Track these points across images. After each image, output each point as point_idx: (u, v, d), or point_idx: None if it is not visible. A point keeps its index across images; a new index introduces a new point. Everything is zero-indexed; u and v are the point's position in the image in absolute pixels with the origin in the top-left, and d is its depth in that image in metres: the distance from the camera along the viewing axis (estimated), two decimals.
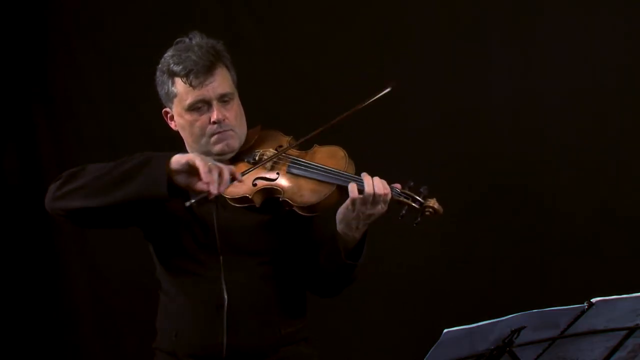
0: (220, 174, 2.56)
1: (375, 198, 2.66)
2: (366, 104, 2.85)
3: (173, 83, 2.81)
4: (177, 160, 2.58)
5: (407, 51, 4.16)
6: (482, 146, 4.11)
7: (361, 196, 2.66)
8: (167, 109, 2.88)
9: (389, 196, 2.68)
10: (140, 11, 4.26)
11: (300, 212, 2.75)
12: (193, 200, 2.57)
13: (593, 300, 2.34)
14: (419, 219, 2.71)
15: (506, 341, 2.32)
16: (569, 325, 2.37)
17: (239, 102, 2.85)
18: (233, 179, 2.59)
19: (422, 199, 2.71)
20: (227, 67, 2.84)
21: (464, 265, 4.08)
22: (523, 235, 4.08)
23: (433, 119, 4.15)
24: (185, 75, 2.77)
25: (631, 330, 2.46)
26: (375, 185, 2.67)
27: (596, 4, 4.05)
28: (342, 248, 2.73)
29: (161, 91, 2.86)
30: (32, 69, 4.28)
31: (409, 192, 2.72)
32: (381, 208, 2.68)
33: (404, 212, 2.71)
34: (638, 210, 3.98)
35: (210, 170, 2.54)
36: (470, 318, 2.30)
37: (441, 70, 4.13)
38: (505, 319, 2.28)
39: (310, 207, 2.73)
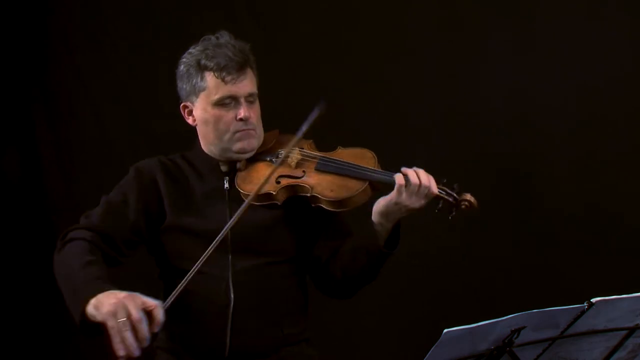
0: (135, 330, 2.45)
1: (421, 189, 2.69)
2: (304, 129, 2.80)
3: (202, 77, 2.83)
4: (92, 315, 2.52)
5: (407, 51, 4.16)
6: (481, 146, 4.11)
7: (408, 187, 2.68)
8: (187, 104, 2.89)
9: (433, 189, 2.71)
10: (140, 11, 4.26)
11: (329, 208, 2.77)
12: None
13: (593, 300, 2.34)
14: (454, 212, 2.78)
15: (506, 341, 2.32)
16: (569, 325, 2.37)
17: (259, 104, 2.89)
18: (156, 322, 2.49)
19: (457, 194, 2.77)
20: (253, 69, 2.87)
21: (464, 265, 4.08)
22: (523, 235, 4.08)
23: (433, 119, 4.15)
24: (219, 70, 2.80)
25: (631, 330, 2.46)
26: (420, 176, 2.70)
27: (596, 3, 4.05)
28: (379, 238, 2.76)
29: (185, 85, 2.87)
30: (32, 69, 4.28)
31: (443, 187, 2.77)
32: (423, 202, 2.72)
33: (440, 205, 2.77)
34: (638, 210, 3.98)
35: (123, 337, 2.44)
36: (470, 318, 2.30)
37: (441, 70, 4.13)
38: (505, 319, 2.28)
39: (341, 202, 2.76)
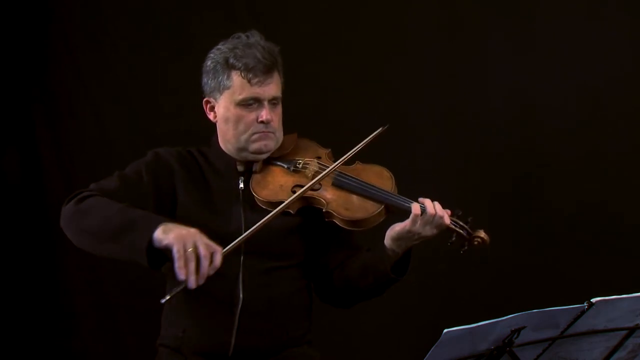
0: (198, 265, 2.52)
1: (435, 220, 2.72)
2: (364, 143, 2.84)
3: (229, 76, 2.83)
4: (158, 239, 2.57)
5: (407, 51, 4.16)
6: (481, 146, 4.11)
7: (423, 216, 2.71)
8: (210, 99, 2.89)
9: (446, 223, 2.74)
10: (140, 11, 4.26)
11: (342, 225, 2.78)
12: (168, 296, 2.54)
13: (593, 300, 2.34)
14: (466, 247, 2.80)
15: (506, 341, 2.32)
16: (569, 325, 2.37)
17: (281, 108, 2.89)
18: (214, 265, 2.55)
19: (470, 228, 2.78)
20: (279, 72, 2.87)
21: (464, 265, 4.08)
22: (523, 235, 4.08)
23: (433, 119, 4.15)
24: (246, 71, 2.80)
25: (631, 330, 2.46)
26: (436, 207, 2.73)
27: (596, 3, 4.04)
28: (387, 262, 2.77)
29: (210, 81, 2.87)
30: (32, 69, 4.27)
31: (457, 220, 2.79)
32: (435, 232, 2.76)
33: (453, 238, 2.79)
34: (638, 210, 3.98)
35: (186, 263, 2.51)
36: (470, 318, 2.30)
37: (441, 70, 4.13)
38: (505, 319, 2.28)
39: (355, 222, 2.77)
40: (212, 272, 2.55)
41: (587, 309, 2.34)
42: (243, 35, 2.86)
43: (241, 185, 2.86)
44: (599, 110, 4.03)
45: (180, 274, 2.51)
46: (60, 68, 4.29)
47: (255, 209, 2.81)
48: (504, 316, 2.28)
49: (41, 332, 4.26)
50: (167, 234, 2.55)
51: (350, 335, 4.16)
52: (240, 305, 2.76)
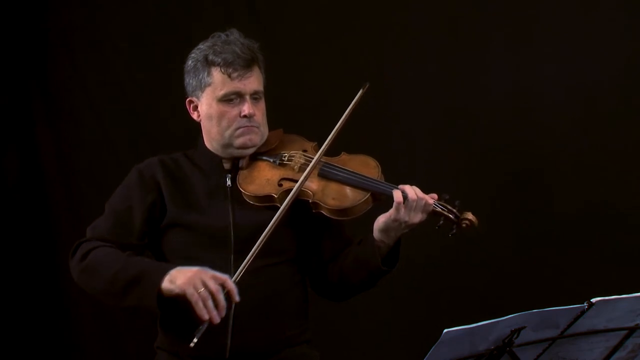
0: (215, 300, 2.58)
1: (418, 204, 2.72)
2: (351, 107, 2.89)
3: (209, 72, 2.84)
4: (168, 289, 2.63)
5: (407, 51, 4.16)
6: (481, 147, 4.11)
7: (406, 203, 2.71)
8: (193, 99, 2.90)
9: (430, 205, 2.74)
10: (140, 11, 4.26)
11: (330, 215, 2.78)
12: (196, 339, 2.59)
13: (593, 300, 2.34)
14: (454, 230, 2.78)
15: (506, 341, 2.32)
16: (569, 325, 2.37)
17: (264, 103, 2.89)
18: (229, 297, 2.61)
19: (458, 211, 2.77)
20: (260, 67, 2.89)
21: (464, 265, 4.08)
22: (523, 235, 4.08)
23: (433, 119, 4.15)
24: (226, 66, 2.82)
25: (631, 330, 2.46)
26: (416, 191, 2.73)
27: (595, 3, 4.05)
28: (378, 254, 2.77)
29: (192, 80, 2.89)
30: (32, 69, 4.28)
31: (444, 204, 2.78)
32: (422, 217, 2.74)
33: (441, 222, 2.78)
34: (638, 210, 3.98)
35: (204, 303, 2.58)
36: (470, 318, 2.30)
37: (441, 70, 4.13)
38: (505, 319, 2.28)
39: (342, 211, 2.77)
40: (237, 299, 2.61)
41: (587, 309, 2.34)
42: (222, 34, 2.89)
43: (228, 182, 2.87)
44: (599, 109, 4.03)
45: (204, 315, 2.58)
46: (60, 68, 4.29)
47: (244, 206, 2.81)
48: (504, 316, 2.28)
49: (41, 332, 4.26)
50: (174, 283, 2.62)
51: (350, 335, 4.16)
52: (233, 306, 2.75)
